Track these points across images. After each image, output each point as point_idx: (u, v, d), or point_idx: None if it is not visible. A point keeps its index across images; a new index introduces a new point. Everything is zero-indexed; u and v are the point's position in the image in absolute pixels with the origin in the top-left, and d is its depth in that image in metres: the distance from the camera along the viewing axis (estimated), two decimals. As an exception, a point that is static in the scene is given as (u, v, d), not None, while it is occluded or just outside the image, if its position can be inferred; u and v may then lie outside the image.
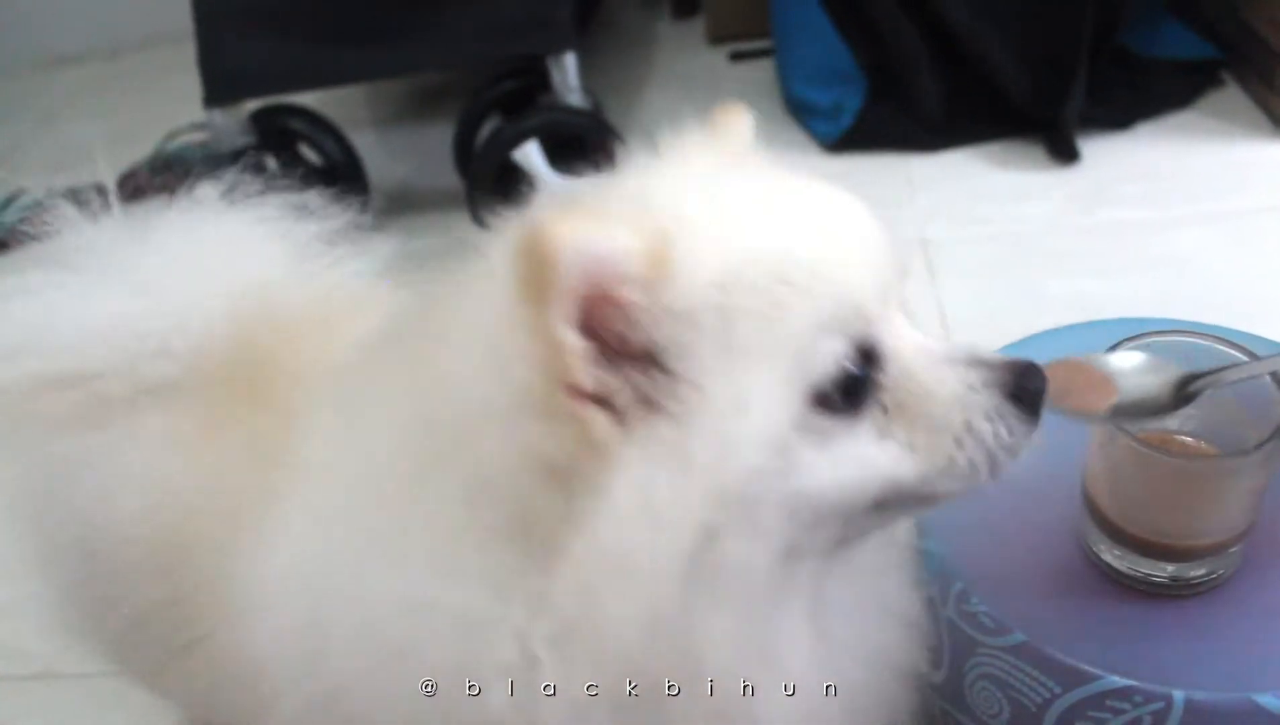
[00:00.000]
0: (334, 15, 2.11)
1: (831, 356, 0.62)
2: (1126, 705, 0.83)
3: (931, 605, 0.96)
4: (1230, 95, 2.27)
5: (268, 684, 0.74)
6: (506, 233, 0.63)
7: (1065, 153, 2.13)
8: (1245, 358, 0.86)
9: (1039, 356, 1.10)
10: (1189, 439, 0.91)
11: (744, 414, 0.60)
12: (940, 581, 0.95)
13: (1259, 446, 0.82)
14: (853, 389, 0.63)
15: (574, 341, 0.56)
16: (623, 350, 0.59)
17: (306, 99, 2.31)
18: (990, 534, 0.95)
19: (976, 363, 0.68)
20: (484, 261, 0.64)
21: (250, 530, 0.77)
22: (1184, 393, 0.85)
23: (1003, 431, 0.67)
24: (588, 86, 2.18)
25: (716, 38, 2.85)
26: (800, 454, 0.62)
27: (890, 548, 0.81)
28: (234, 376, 0.87)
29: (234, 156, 2.05)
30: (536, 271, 0.54)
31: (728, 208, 0.64)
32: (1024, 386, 0.68)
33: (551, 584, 0.60)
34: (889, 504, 0.67)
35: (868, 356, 0.65)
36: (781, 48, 2.52)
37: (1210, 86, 2.28)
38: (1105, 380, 0.84)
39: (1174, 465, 0.85)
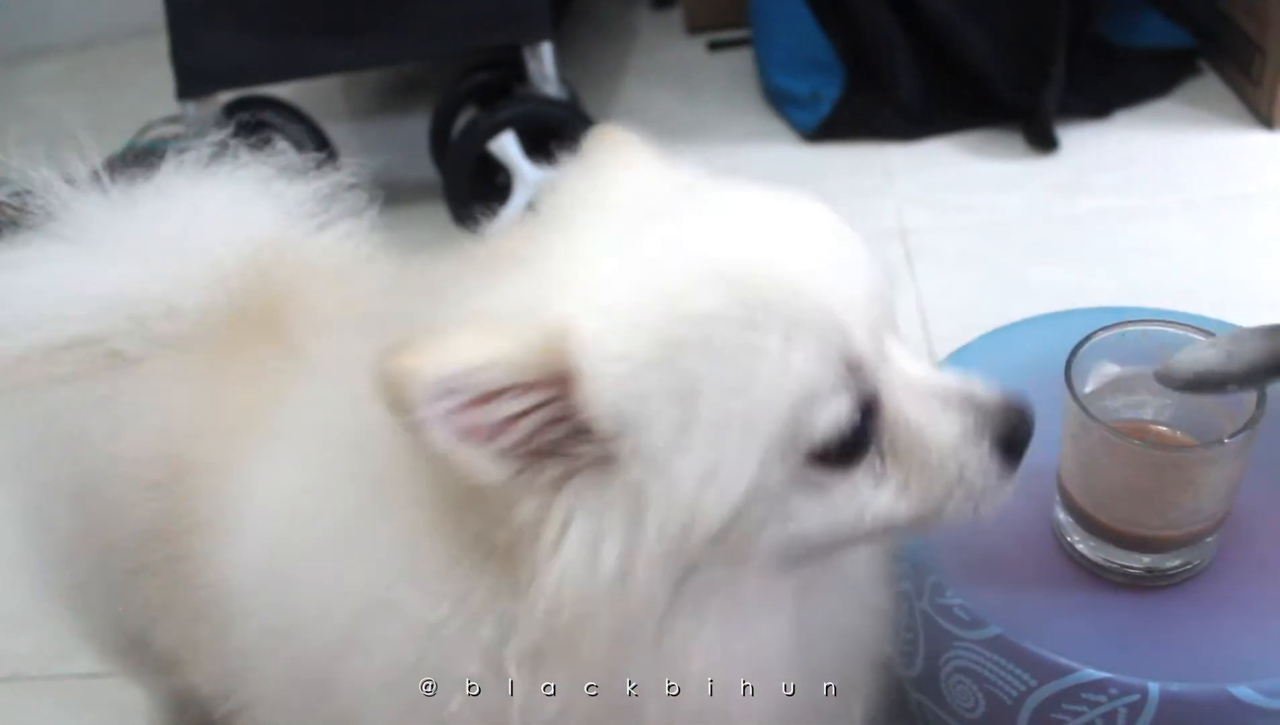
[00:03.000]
0: (307, 7, 2.09)
1: (833, 422, 0.60)
2: (1102, 698, 0.82)
3: (906, 599, 0.95)
4: (1208, 84, 2.27)
5: (232, 605, 0.77)
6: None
7: (1043, 141, 2.13)
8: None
9: (1017, 344, 1.11)
10: (1164, 428, 0.90)
11: (711, 482, 0.58)
12: (915, 575, 0.94)
13: (1234, 435, 0.81)
14: (852, 445, 0.63)
15: (459, 453, 0.55)
16: (538, 441, 0.57)
17: (281, 91, 2.28)
18: (964, 527, 0.94)
19: (971, 405, 0.67)
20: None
21: (245, 452, 0.80)
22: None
23: (991, 481, 0.68)
24: (565, 77, 2.17)
25: (695, 27, 2.83)
26: (795, 504, 0.62)
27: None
28: (247, 314, 0.89)
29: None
30: (399, 409, 0.53)
31: (653, 266, 0.59)
32: (1015, 438, 0.67)
33: (522, 610, 0.60)
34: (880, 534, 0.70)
35: (868, 410, 0.63)
36: (760, 37, 2.50)
37: (1188, 75, 2.28)
38: None
39: (1148, 455, 0.84)
